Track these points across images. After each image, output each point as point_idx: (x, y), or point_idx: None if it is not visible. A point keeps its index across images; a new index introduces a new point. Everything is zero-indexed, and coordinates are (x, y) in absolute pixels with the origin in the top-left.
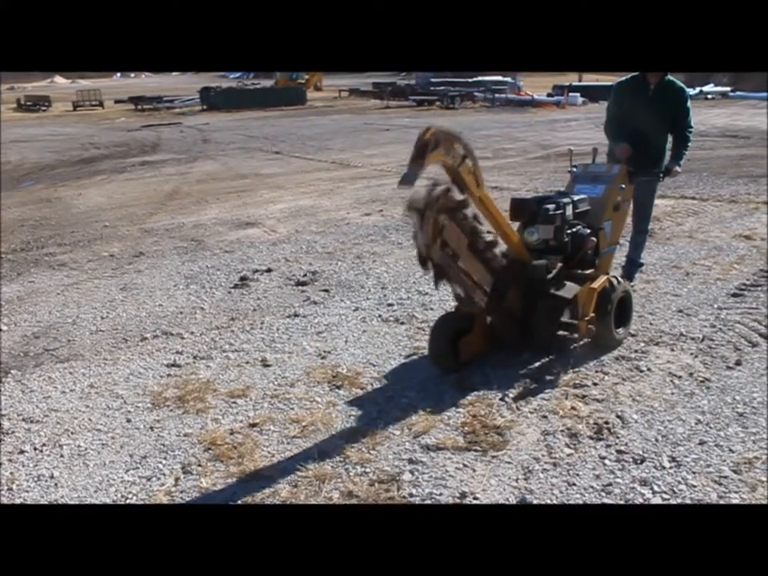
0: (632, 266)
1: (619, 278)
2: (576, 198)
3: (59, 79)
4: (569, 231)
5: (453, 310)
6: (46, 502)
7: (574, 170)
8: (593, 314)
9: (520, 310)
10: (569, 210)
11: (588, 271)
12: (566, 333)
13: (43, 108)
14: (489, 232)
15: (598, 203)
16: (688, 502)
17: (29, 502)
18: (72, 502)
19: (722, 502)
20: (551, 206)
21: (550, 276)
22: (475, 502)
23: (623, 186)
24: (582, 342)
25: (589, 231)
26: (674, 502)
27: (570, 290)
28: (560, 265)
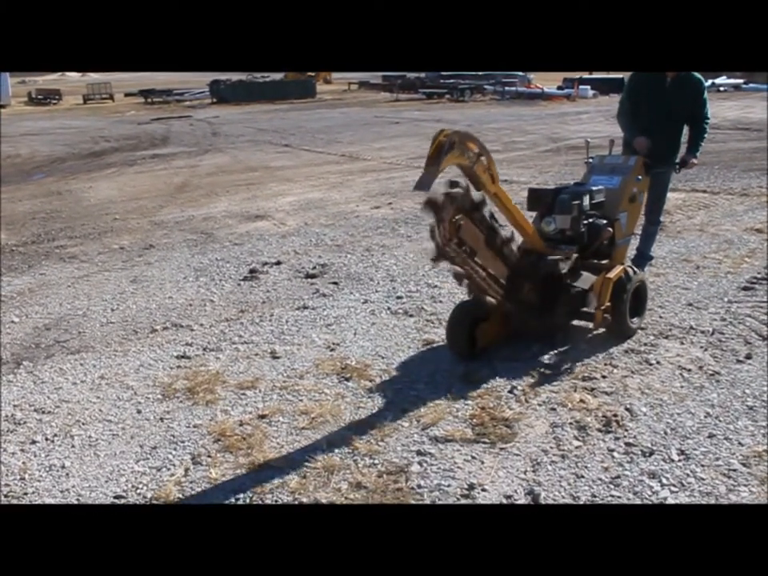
0: (642, 259)
1: (635, 268)
2: (593, 188)
3: (70, 72)
4: (585, 222)
5: (469, 298)
6: (58, 491)
7: (591, 160)
8: (608, 304)
9: (536, 300)
10: (585, 201)
11: (603, 261)
12: (581, 322)
13: (54, 101)
14: (503, 226)
15: (614, 194)
16: (697, 494)
17: (39, 493)
18: (83, 493)
19: (731, 495)
20: (568, 197)
21: (564, 271)
22: (483, 493)
23: (639, 177)
24: (596, 332)
25: (605, 222)
26: (681, 501)
27: (586, 279)
28: (575, 256)
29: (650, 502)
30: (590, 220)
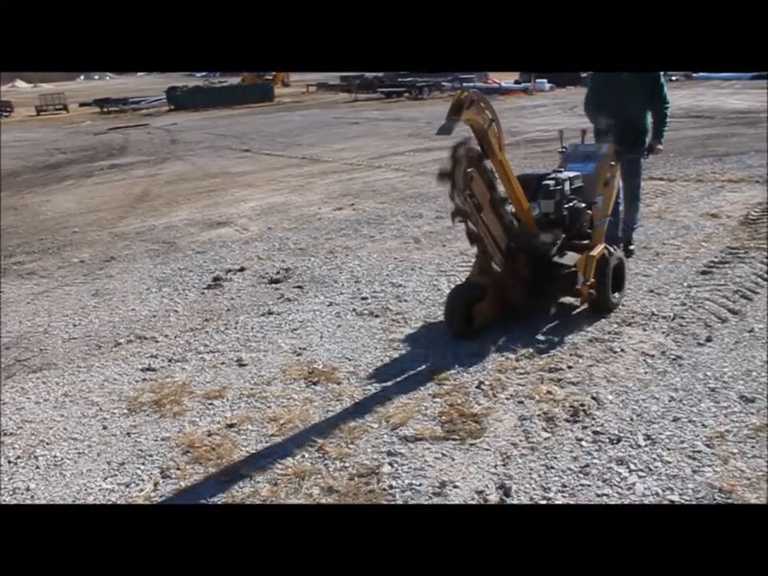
0: (610, 241)
1: (614, 247)
2: (572, 174)
3: (20, 84)
4: (567, 205)
5: (464, 281)
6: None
7: (565, 149)
8: (593, 280)
9: (528, 275)
10: (567, 186)
11: (584, 242)
12: (568, 297)
13: (5, 113)
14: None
15: (590, 180)
16: (664, 478)
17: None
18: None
19: (696, 476)
20: (551, 182)
21: (553, 249)
22: (455, 490)
23: (612, 163)
24: (581, 308)
25: (584, 205)
26: (649, 486)
27: (571, 258)
28: (564, 236)
29: (620, 489)
30: (571, 204)
